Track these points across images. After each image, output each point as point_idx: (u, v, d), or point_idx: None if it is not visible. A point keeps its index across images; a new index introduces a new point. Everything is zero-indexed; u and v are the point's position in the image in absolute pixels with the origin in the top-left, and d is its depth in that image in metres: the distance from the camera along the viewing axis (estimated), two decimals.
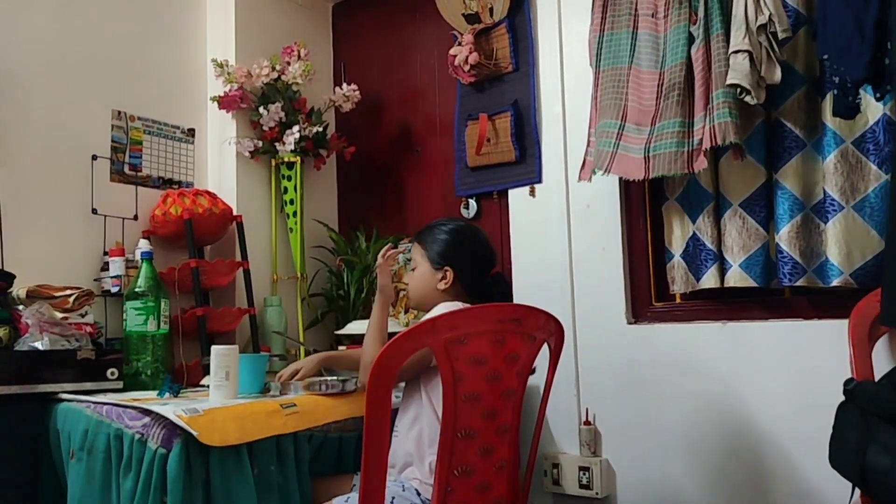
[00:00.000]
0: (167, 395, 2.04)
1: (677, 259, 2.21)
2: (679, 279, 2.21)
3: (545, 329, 1.75)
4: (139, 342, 2.32)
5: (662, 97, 2.10)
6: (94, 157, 2.55)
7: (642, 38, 2.17)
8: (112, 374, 2.16)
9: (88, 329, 2.24)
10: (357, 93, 2.92)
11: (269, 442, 1.80)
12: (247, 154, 2.81)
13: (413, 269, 1.97)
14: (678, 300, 2.30)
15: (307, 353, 2.70)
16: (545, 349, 1.79)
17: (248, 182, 2.87)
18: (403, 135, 3.03)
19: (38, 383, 2.02)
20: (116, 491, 1.77)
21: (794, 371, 2.03)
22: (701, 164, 2.00)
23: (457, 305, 1.84)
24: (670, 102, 2.07)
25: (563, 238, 2.46)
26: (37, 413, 2.03)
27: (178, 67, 2.86)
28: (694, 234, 2.16)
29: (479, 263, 1.95)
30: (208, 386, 2.01)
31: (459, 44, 2.65)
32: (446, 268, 1.89)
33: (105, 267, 2.49)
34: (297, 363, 2.15)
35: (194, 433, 1.66)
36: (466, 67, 2.63)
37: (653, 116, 2.12)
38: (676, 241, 2.22)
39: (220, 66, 2.77)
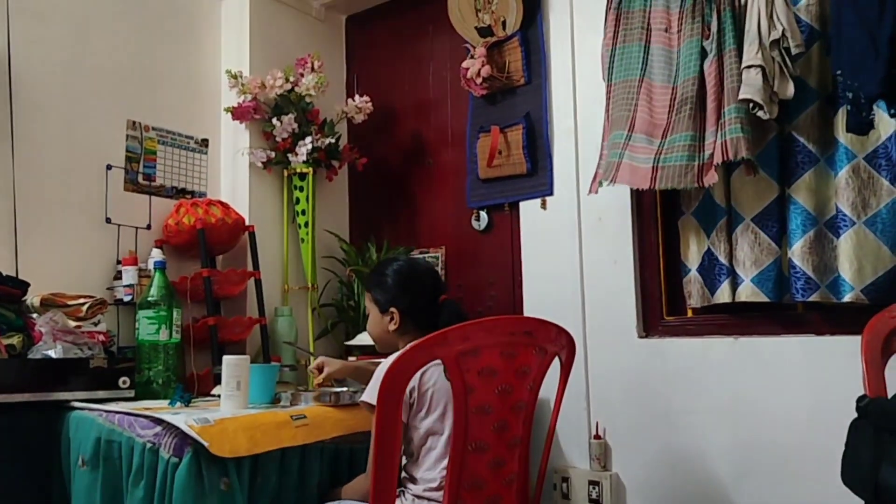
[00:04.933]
0: (178, 404, 2.05)
1: (693, 273, 2.21)
2: (696, 293, 2.20)
3: (556, 342, 1.75)
4: (151, 351, 2.33)
5: (675, 111, 2.10)
6: (109, 167, 2.57)
7: (655, 52, 2.17)
8: (124, 382, 2.17)
9: (101, 337, 2.25)
10: (369, 104, 2.93)
11: (276, 453, 1.81)
12: (259, 164, 2.83)
13: (368, 315, 2.01)
14: (690, 314, 2.30)
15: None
16: (556, 362, 1.79)
17: (260, 192, 2.88)
18: (415, 146, 3.04)
19: (50, 391, 2.03)
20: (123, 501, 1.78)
21: (807, 387, 2.02)
22: (711, 178, 2.00)
23: None
24: (682, 116, 2.07)
25: (574, 251, 2.46)
26: (49, 421, 2.04)
27: (193, 78, 2.89)
28: (709, 248, 2.15)
29: (424, 297, 1.94)
30: (219, 395, 2.02)
31: (472, 56, 2.66)
32: (392, 309, 1.91)
33: (118, 276, 2.50)
34: (329, 365, 2.13)
35: (205, 443, 1.67)
36: (479, 80, 2.64)
37: (664, 130, 2.12)
38: (692, 255, 2.22)
39: (235, 77, 2.79)
